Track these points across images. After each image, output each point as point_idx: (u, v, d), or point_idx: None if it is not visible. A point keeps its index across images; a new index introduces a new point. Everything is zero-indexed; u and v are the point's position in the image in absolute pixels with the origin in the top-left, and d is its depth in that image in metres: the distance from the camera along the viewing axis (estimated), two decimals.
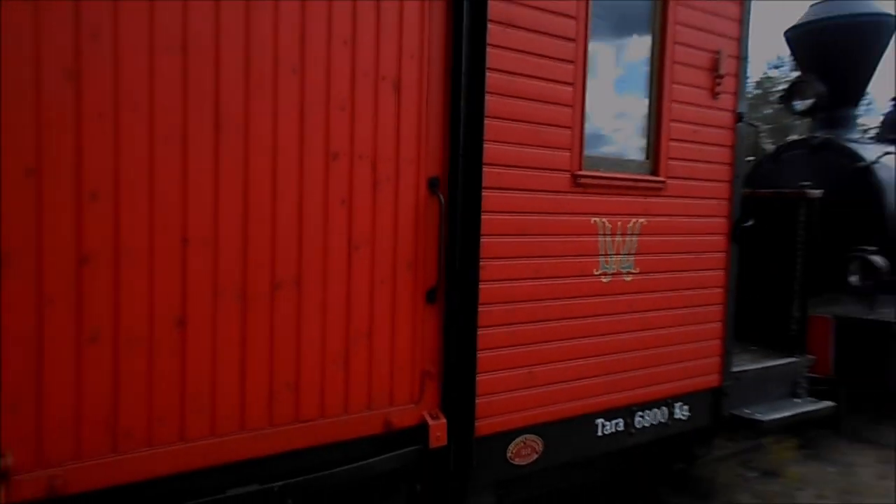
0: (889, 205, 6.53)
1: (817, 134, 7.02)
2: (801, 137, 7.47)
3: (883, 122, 8.36)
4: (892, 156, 6.82)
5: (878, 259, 6.10)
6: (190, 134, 2.46)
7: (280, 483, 2.71)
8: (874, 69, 7.20)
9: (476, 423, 3.23)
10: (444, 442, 3.14)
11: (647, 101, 3.91)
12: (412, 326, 3.07)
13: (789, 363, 4.94)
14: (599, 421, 3.78)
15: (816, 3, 7.18)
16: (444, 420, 3.15)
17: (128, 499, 2.44)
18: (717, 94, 4.13)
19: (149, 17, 2.36)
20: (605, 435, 3.82)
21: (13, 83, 2.15)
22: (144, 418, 2.45)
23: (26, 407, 2.24)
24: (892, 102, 8.25)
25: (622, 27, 3.86)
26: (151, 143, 2.39)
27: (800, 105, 6.82)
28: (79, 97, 2.25)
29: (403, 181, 2.99)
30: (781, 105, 7.55)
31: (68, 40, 2.23)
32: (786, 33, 7.36)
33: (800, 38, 7.28)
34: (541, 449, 3.54)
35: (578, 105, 3.49)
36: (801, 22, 7.24)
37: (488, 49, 3.09)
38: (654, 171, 3.89)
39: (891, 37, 7.10)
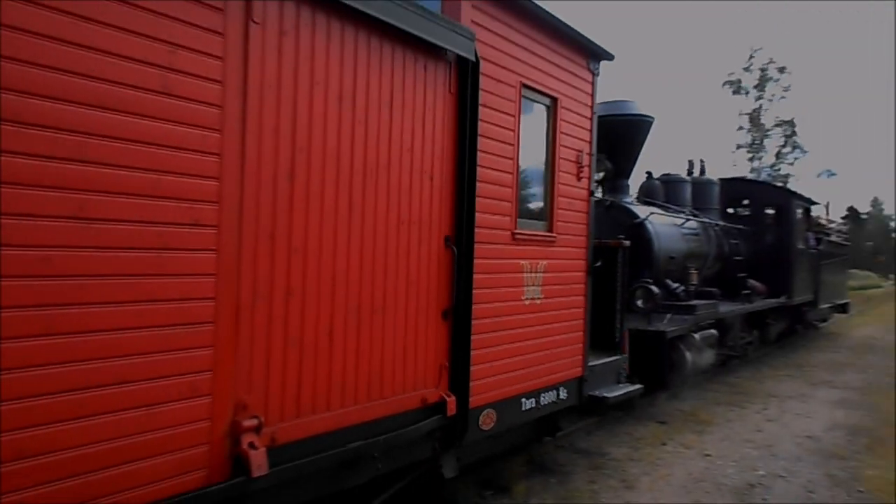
0: (657, 249, 9.24)
1: (607, 197, 9.63)
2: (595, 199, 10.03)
3: (640, 189, 11.36)
4: (656, 214, 9.60)
5: (654, 288, 8.70)
6: (339, 212, 3.85)
7: (380, 438, 4.11)
8: (640, 151, 10.03)
9: (469, 400, 4.84)
10: (454, 412, 4.71)
11: (544, 183, 5.86)
12: (436, 335, 4.63)
13: (616, 359, 7.16)
14: (523, 399, 5.56)
15: (599, 103, 9.82)
16: (454, 397, 4.72)
17: (298, 448, 3.70)
18: (580, 177, 6.21)
19: (322, 142, 3.74)
20: (525, 410, 5.61)
21: (265, 180, 3.42)
22: (311, 396, 3.74)
23: (261, 388, 3.46)
24: (647, 174, 11.30)
25: (531, 132, 5.77)
26: (321, 217, 3.75)
27: (595, 176, 9.31)
28: (292, 190, 3.57)
29: (433, 238, 4.56)
30: None
31: (289, 154, 3.55)
32: None
33: None
34: (495, 419, 5.22)
35: (514, 186, 5.31)
36: None
37: (478, 153, 4.80)
38: (550, 229, 5.83)
39: (649, 130, 9.97)
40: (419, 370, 4.50)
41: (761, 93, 49.67)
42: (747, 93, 50.46)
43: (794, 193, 15.64)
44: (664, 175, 11.89)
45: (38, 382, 2.59)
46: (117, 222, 2.81)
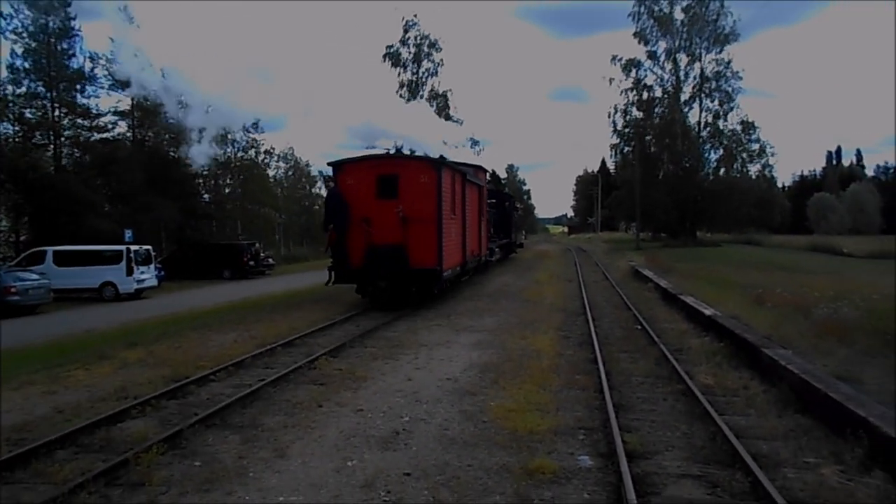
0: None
1: None
2: None
3: None
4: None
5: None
6: (458, 225, 20.78)
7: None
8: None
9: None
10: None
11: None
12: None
13: (496, 250, 24.90)
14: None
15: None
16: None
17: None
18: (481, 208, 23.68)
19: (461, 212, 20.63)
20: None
21: (445, 215, 20.23)
22: (454, 259, 20.50)
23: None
24: None
25: (476, 194, 23.05)
26: (459, 225, 20.62)
27: None
28: (457, 220, 20.43)
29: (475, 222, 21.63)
30: None
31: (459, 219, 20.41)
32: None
33: None
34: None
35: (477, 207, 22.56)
36: None
37: (482, 201, 22.02)
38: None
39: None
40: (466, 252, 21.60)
41: (416, 66, 48.52)
42: (405, 67, 48.89)
43: (510, 196, 37.40)
44: None
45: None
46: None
